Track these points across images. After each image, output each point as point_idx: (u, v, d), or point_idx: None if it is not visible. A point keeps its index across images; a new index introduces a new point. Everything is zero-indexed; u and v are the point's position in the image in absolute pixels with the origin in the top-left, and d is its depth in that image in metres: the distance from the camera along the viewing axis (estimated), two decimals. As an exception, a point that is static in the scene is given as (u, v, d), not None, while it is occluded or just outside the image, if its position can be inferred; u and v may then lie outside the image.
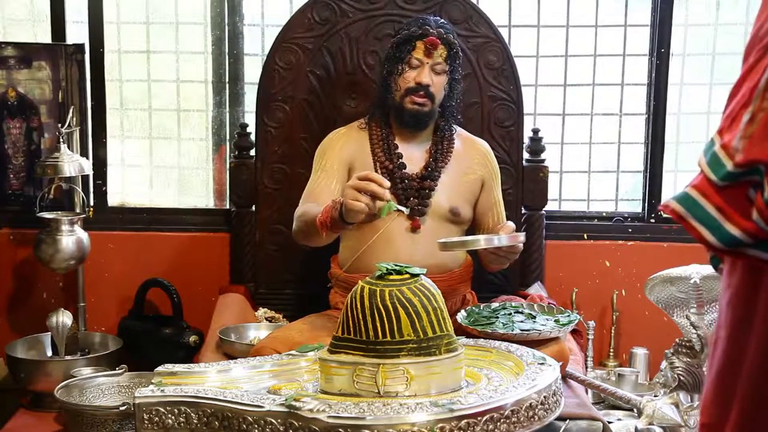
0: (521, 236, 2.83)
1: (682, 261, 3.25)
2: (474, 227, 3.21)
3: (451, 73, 3.08)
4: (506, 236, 2.79)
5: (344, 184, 2.92)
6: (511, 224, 2.91)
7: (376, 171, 3.06)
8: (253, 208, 3.59)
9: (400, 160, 3.10)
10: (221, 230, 3.77)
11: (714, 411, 1.52)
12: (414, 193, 3.07)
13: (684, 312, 3.14)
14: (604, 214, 3.86)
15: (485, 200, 3.19)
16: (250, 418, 2.23)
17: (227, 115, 3.87)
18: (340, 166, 3.10)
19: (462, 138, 3.21)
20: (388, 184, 2.68)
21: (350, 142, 3.14)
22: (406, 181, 3.08)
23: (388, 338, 2.31)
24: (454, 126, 3.20)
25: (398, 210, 2.78)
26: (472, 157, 3.18)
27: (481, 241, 2.79)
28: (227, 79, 3.85)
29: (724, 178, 1.43)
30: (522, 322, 2.86)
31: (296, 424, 2.17)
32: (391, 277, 2.40)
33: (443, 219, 3.09)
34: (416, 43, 3.03)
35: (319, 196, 3.02)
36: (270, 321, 3.38)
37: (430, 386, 2.31)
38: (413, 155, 3.12)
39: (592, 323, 3.65)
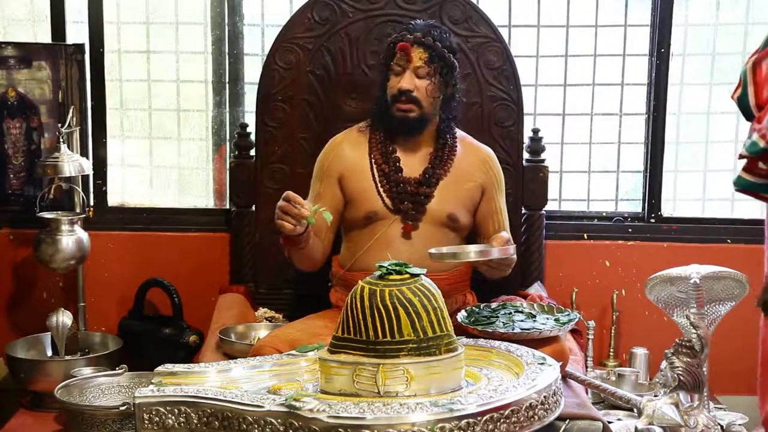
0: (512, 248, 2.86)
1: (682, 261, 3.25)
2: (474, 234, 3.21)
3: (440, 75, 3.06)
4: (498, 249, 2.83)
5: (336, 204, 3.10)
6: (505, 235, 2.93)
7: (372, 174, 3.10)
8: (253, 208, 3.60)
9: (397, 164, 3.10)
10: (221, 230, 3.77)
11: None
12: (408, 198, 3.08)
13: (684, 312, 3.14)
14: (604, 214, 3.86)
15: (486, 208, 3.19)
16: (250, 418, 2.23)
17: (227, 115, 3.88)
18: (331, 186, 3.13)
19: (465, 144, 3.21)
20: (303, 202, 2.83)
21: (346, 150, 3.16)
22: (401, 185, 3.09)
23: (388, 338, 2.31)
24: (458, 132, 3.20)
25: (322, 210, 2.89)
26: (473, 164, 3.18)
27: (471, 253, 2.82)
28: (227, 79, 3.85)
29: (758, 153, 1.96)
30: (522, 321, 2.86)
31: (296, 424, 2.17)
32: (391, 277, 2.40)
33: (441, 225, 3.10)
34: (396, 50, 3.05)
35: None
36: (270, 321, 3.38)
37: (430, 386, 2.31)
38: (413, 160, 3.13)
39: (592, 323, 3.65)
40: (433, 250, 2.82)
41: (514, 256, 2.93)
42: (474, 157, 3.19)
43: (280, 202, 2.83)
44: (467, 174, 3.16)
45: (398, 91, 3.03)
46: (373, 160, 3.13)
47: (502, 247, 2.84)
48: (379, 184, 3.10)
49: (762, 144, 1.96)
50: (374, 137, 3.15)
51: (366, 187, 3.10)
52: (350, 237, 3.17)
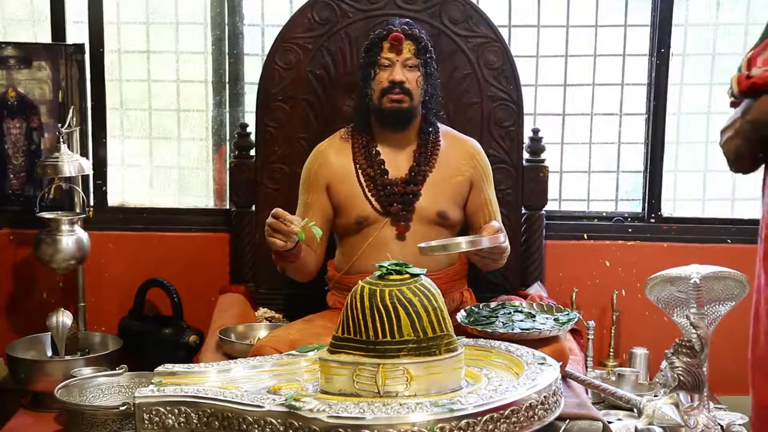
0: (502, 236, 2.85)
1: (682, 261, 3.25)
2: (465, 228, 3.21)
3: (424, 67, 3.08)
4: (488, 237, 2.82)
5: (326, 212, 3.11)
6: (495, 224, 2.93)
7: (359, 179, 3.10)
8: (253, 208, 3.60)
9: (383, 167, 3.10)
10: (221, 230, 3.77)
11: None
12: (397, 199, 3.08)
13: (684, 312, 3.14)
14: (604, 214, 3.86)
15: (475, 201, 3.18)
16: (250, 418, 2.23)
17: (227, 115, 3.88)
18: (320, 195, 3.13)
19: (449, 138, 3.20)
20: (293, 218, 2.83)
21: (331, 157, 3.16)
22: (389, 186, 3.08)
23: (388, 338, 2.31)
24: (440, 126, 3.19)
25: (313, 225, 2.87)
26: (459, 158, 3.17)
27: (462, 243, 2.80)
28: (227, 79, 3.85)
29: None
30: (522, 321, 2.86)
31: (296, 424, 2.17)
32: (391, 277, 2.40)
33: (432, 223, 3.10)
34: (383, 44, 3.06)
35: None
36: (270, 321, 3.38)
37: (430, 386, 2.31)
38: (397, 160, 3.12)
39: (592, 323, 3.65)
40: (422, 244, 2.80)
41: (506, 244, 2.92)
42: (460, 150, 3.19)
43: (269, 220, 2.83)
44: (454, 168, 3.15)
45: (390, 83, 3.04)
46: (357, 165, 3.13)
47: (492, 235, 2.84)
48: (366, 189, 3.10)
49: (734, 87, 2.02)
50: (357, 142, 3.15)
51: (354, 193, 3.10)
52: (344, 243, 3.18)
